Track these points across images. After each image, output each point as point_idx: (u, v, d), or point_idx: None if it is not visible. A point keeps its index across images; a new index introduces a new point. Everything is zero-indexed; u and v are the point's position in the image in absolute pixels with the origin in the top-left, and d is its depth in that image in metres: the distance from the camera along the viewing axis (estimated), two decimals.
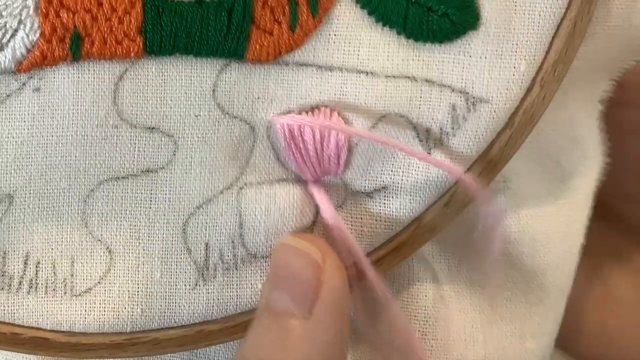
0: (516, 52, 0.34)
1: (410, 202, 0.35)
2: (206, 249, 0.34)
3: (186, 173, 0.34)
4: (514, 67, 0.34)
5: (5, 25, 0.31)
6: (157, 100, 0.33)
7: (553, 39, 0.34)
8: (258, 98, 0.33)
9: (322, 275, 0.32)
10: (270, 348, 0.32)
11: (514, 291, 0.41)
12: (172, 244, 0.34)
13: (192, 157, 0.34)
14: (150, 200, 0.34)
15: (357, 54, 0.33)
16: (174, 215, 0.34)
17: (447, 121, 0.34)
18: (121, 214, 0.34)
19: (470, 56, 0.34)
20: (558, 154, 0.40)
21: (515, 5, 0.33)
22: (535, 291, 0.41)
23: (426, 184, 0.35)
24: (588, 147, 0.40)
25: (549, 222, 0.40)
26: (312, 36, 0.33)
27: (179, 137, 0.33)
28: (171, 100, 0.33)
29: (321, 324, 0.32)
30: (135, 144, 0.33)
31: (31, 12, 0.31)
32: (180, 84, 0.33)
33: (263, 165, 0.34)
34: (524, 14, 0.33)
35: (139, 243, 0.34)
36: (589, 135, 0.40)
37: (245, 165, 0.34)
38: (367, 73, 0.34)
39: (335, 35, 0.33)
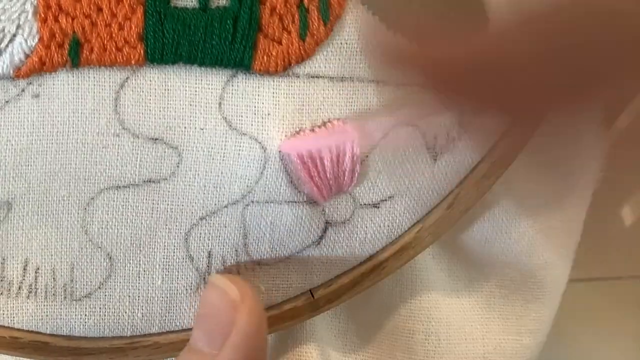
0: None
1: (414, 207, 0.35)
2: (209, 257, 0.34)
3: (189, 186, 0.33)
4: None
5: (3, 30, 0.30)
6: (160, 111, 0.32)
7: None
8: (268, 114, 0.32)
9: (236, 315, 0.31)
10: None
11: (511, 289, 0.41)
12: (174, 252, 0.34)
13: (196, 170, 0.33)
14: (152, 210, 0.33)
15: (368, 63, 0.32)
16: (176, 226, 0.33)
17: (454, 126, 0.33)
18: (122, 222, 0.33)
19: None
20: (555, 152, 0.39)
21: None
22: (532, 289, 0.41)
23: (431, 188, 0.34)
24: (585, 145, 0.40)
25: (548, 220, 0.40)
26: (323, 45, 0.32)
27: (183, 150, 0.32)
28: (175, 112, 0.32)
29: None
30: (137, 153, 0.32)
31: (30, 16, 0.30)
32: (184, 94, 0.32)
33: (273, 187, 0.33)
34: None
35: (140, 251, 0.33)
36: (586, 132, 0.40)
37: (254, 185, 0.33)
38: (378, 82, 0.32)
39: (347, 44, 0.32)
